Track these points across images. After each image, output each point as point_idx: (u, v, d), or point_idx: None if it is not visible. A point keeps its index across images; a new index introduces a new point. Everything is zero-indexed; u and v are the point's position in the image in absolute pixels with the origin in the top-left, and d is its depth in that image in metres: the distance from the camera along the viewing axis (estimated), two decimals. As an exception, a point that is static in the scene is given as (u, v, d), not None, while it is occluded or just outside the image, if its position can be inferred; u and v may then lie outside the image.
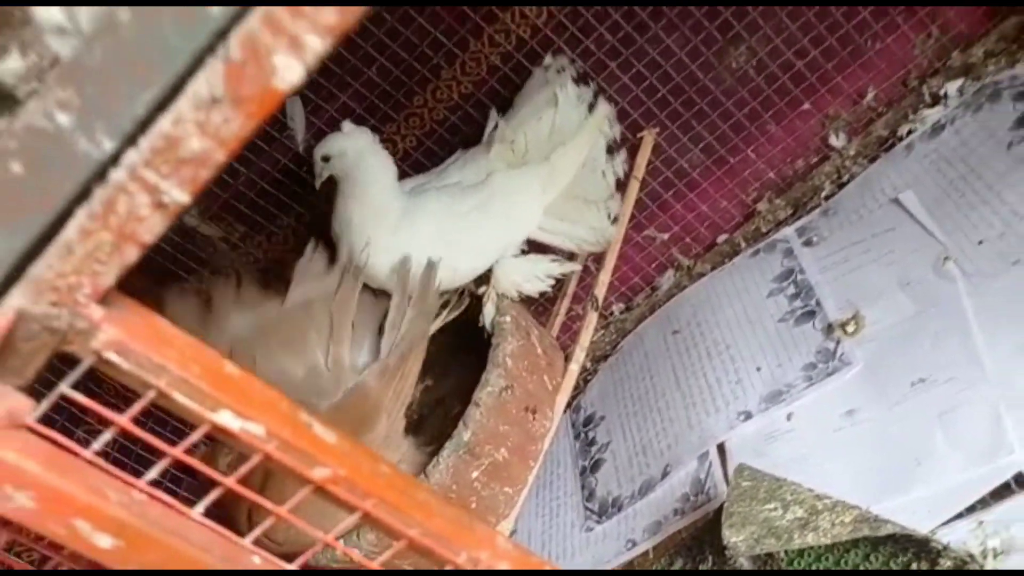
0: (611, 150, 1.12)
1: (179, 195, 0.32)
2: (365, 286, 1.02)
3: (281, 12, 0.28)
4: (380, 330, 1.01)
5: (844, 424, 0.93)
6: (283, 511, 0.41)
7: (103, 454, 0.37)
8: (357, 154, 0.98)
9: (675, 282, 1.32)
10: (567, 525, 1.13)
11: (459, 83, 1.17)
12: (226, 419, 0.37)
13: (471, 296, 1.09)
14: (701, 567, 0.89)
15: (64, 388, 0.36)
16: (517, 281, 1.06)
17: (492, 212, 1.02)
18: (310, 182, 1.05)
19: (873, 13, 1.13)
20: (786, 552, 0.78)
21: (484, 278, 1.06)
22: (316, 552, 0.45)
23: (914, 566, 0.73)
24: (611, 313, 1.36)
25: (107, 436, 0.37)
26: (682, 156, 1.24)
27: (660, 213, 1.29)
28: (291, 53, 0.29)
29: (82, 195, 0.32)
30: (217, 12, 0.29)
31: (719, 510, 0.84)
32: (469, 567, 0.45)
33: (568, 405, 1.18)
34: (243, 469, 0.39)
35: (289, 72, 0.29)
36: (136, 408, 0.36)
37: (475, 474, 0.93)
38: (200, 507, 0.40)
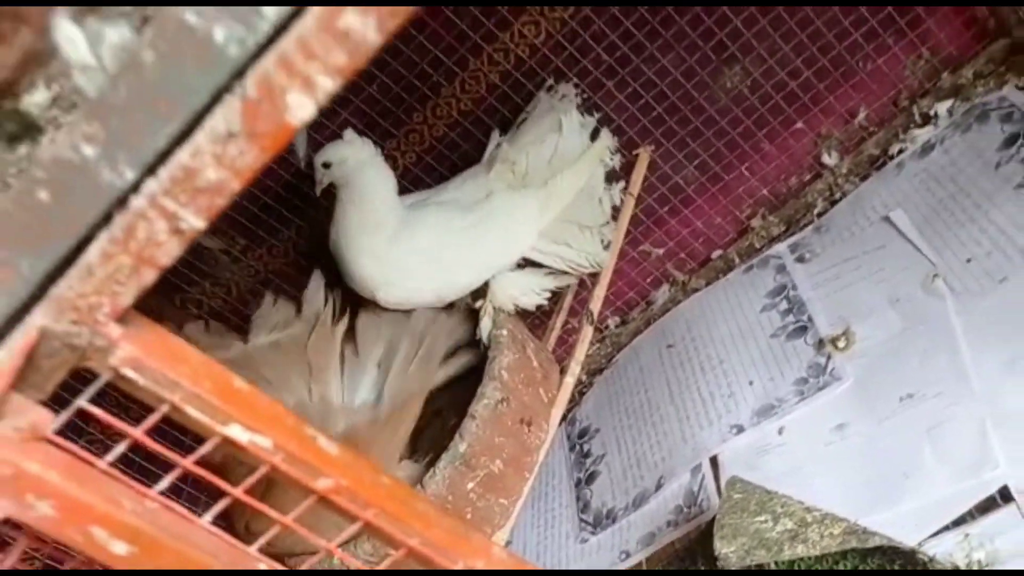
0: (610, 179, 1.14)
1: (196, 221, 0.34)
2: (374, 311, 1.03)
3: (295, 54, 0.30)
4: (380, 364, 1.03)
5: (834, 438, 0.95)
6: (288, 520, 0.43)
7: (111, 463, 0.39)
8: (358, 162, 1.00)
9: (670, 297, 1.34)
10: (562, 536, 1.15)
11: (458, 101, 1.19)
12: (236, 432, 0.39)
13: (468, 309, 1.10)
14: (693, 578, 0.91)
15: (82, 402, 0.37)
16: (514, 295, 1.07)
17: (490, 230, 1.04)
18: (311, 196, 1.07)
19: (865, 35, 1.15)
20: (776, 563, 0.80)
21: (481, 292, 1.08)
22: (319, 559, 0.47)
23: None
24: (606, 327, 1.38)
25: (122, 448, 0.39)
26: (677, 173, 1.26)
27: (655, 229, 1.31)
28: (304, 92, 0.31)
29: (104, 221, 0.34)
30: (235, 53, 0.30)
31: (711, 522, 0.85)
32: (466, 575, 0.47)
33: (563, 418, 1.20)
34: (251, 479, 0.41)
35: (301, 109, 0.31)
36: (151, 421, 0.38)
37: (471, 485, 0.94)
38: (208, 516, 0.41)
